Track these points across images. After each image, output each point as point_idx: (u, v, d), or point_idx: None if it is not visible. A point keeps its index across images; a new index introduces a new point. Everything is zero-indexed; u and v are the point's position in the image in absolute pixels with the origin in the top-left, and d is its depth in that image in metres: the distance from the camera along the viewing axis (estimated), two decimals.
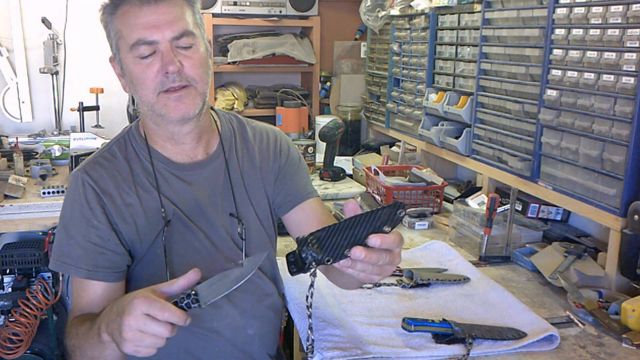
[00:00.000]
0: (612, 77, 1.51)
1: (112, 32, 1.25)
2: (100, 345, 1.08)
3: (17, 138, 2.86)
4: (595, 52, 1.56)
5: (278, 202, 1.47)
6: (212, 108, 1.44)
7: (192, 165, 1.35)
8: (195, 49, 1.24)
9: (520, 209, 1.97)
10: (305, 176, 1.51)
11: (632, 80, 1.45)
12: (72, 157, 2.55)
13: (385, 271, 1.01)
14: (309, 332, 1.04)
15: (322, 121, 2.95)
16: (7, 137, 2.92)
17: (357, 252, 0.93)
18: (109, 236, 1.27)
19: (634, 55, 1.45)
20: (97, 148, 2.62)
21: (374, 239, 0.94)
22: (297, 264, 0.96)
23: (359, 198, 2.38)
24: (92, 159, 1.33)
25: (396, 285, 1.59)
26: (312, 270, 0.96)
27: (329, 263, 0.94)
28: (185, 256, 1.31)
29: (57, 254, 1.28)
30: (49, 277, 2.51)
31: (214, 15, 3.10)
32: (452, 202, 2.13)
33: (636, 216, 1.46)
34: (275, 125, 3.09)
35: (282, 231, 1.54)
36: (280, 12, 3.18)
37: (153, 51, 1.21)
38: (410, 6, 2.59)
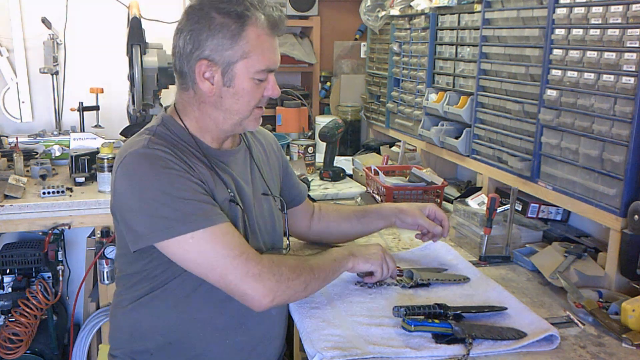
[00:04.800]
0: (612, 77, 1.51)
1: (240, 48, 1.31)
2: (339, 267, 1.44)
3: (17, 138, 2.85)
4: (595, 52, 1.56)
5: (286, 200, 1.65)
6: None
7: (227, 152, 1.45)
8: None
9: (520, 209, 1.97)
10: (296, 176, 1.76)
11: (632, 80, 1.45)
12: (72, 157, 2.55)
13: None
14: None
15: (322, 121, 2.95)
16: (7, 137, 2.92)
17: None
18: (206, 188, 1.33)
19: (634, 55, 1.45)
20: (98, 148, 2.65)
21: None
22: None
23: (359, 198, 2.38)
24: (148, 140, 1.33)
25: (396, 285, 1.59)
26: None
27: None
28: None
29: (180, 218, 1.24)
30: (49, 277, 2.51)
31: None
32: (452, 202, 2.13)
33: (636, 216, 1.46)
34: (275, 125, 3.11)
35: None
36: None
37: (267, 77, 1.37)
38: (410, 6, 2.59)
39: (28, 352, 2.45)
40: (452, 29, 2.33)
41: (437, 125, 2.40)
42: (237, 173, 1.45)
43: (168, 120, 1.41)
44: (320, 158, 2.80)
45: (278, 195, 1.59)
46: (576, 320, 1.43)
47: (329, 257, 1.42)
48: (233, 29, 1.30)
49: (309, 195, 1.86)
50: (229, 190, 1.38)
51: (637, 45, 1.44)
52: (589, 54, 1.58)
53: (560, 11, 1.68)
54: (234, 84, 1.34)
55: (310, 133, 3.18)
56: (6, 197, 2.29)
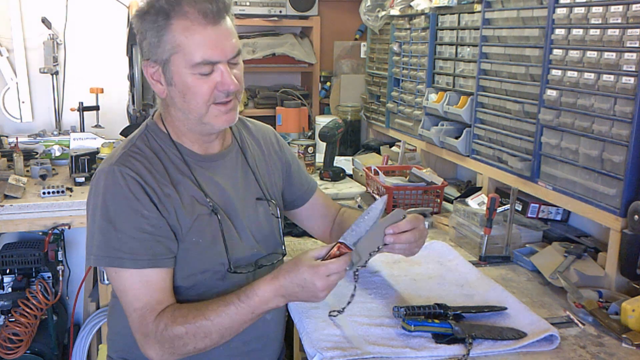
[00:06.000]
0: (612, 77, 1.51)
1: (167, 43, 1.25)
2: (263, 314, 1.26)
3: (17, 138, 2.85)
4: (595, 52, 1.56)
5: (287, 200, 1.61)
6: None
7: (211, 157, 1.40)
8: (240, 64, 1.32)
9: (520, 209, 1.97)
10: (304, 169, 1.68)
11: (632, 80, 1.45)
12: (72, 157, 2.55)
13: (419, 245, 1.41)
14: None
15: (322, 121, 2.95)
16: (7, 137, 2.92)
17: (389, 237, 1.32)
18: (161, 223, 1.28)
19: (634, 55, 1.45)
20: (98, 148, 2.65)
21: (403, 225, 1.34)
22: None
23: (359, 198, 2.38)
24: (122, 154, 1.32)
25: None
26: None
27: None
28: (211, 244, 1.34)
29: (105, 250, 1.25)
30: (49, 277, 2.51)
31: None
32: (452, 202, 2.13)
33: (636, 216, 1.46)
34: (275, 125, 3.10)
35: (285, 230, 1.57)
36: (280, 12, 3.18)
37: (212, 69, 1.26)
38: (410, 6, 2.59)
39: (28, 352, 2.44)
40: (452, 29, 2.33)
41: (437, 125, 2.40)
42: (224, 178, 1.40)
43: (152, 127, 1.38)
44: (320, 158, 2.79)
45: (274, 199, 1.51)
46: (576, 320, 1.43)
47: (247, 309, 1.23)
48: (158, 25, 1.25)
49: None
50: (208, 200, 1.34)
51: (637, 45, 1.44)
52: (589, 54, 1.58)
53: (560, 11, 1.68)
54: (175, 82, 1.28)
55: (310, 133, 3.18)
56: (6, 197, 2.29)
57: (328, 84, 3.43)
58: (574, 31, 1.64)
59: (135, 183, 1.27)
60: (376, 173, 2.33)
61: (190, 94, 1.27)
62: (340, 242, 1.26)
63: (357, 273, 1.30)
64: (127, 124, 2.80)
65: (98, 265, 1.31)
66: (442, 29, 2.41)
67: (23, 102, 3.04)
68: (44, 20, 3.01)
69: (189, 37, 1.23)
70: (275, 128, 1.72)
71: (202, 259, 1.33)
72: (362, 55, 3.39)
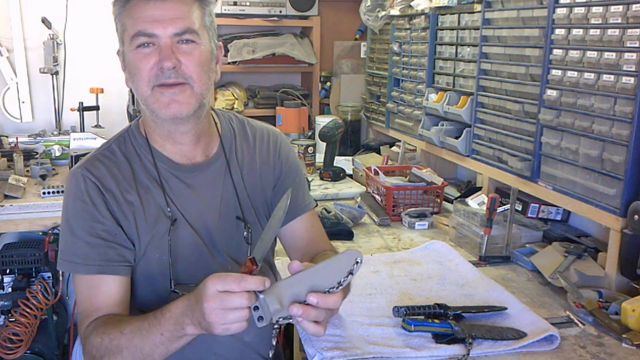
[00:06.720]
0: (612, 77, 1.51)
1: (119, 24, 1.26)
2: (175, 340, 1.08)
3: (17, 138, 2.85)
4: (595, 52, 1.56)
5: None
6: (212, 108, 1.41)
7: (191, 167, 1.33)
8: (196, 47, 1.22)
9: (520, 209, 1.97)
10: (304, 185, 1.49)
11: (632, 80, 1.45)
12: (72, 157, 2.54)
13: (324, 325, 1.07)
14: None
15: (322, 121, 2.95)
16: (7, 137, 2.92)
17: (295, 309, 0.99)
18: (116, 231, 1.25)
19: (634, 55, 1.45)
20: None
21: (312, 297, 0.99)
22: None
23: (359, 198, 2.38)
24: (91, 157, 1.31)
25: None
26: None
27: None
28: (181, 259, 1.29)
29: (64, 254, 1.25)
30: (49, 277, 2.51)
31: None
32: (452, 202, 2.13)
33: (636, 216, 1.46)
34: (275, 125, 3.10)
35: None
36: (280, 12, 3.18)
37: (152, 44, 1.21)
38: (410, 6, 2.59)
39: (28, 352, 2.44)
40: (452, 29, 2.33)
41: (437, 125, 2.40)
42: (202, 192, 1.32)
43: (133, 130, 1.36)
44: (320, 158, 2.80)
45: (252, 221, 1.36)
46: (576, 320, 1.43)
47: (157, 327, 1.09)
48: (117, 10, 1.26)
49: None
50: (169, 209, 1.28)
51: (637, 45, 1.44)
52: (589, 54, 1.58)
53: (560, 11, 1.68)
54: (126, 62, 1.26)
55: (310, 133, 3.18)
56: (6, 197, 2.29)
57: (328, 84, 3.43)
58: (574, 31, 1.64)
59: (94, 187, 1.25)
60: (376, 173, 2.33)
61: (134, 72, 1.23)
62: (249, 258, 1.03)
63: (276, 327, 1.05)
64: (127, 124, 2.79)
65: (61, 270, 1.29)
66: (442, 29, 2.41)
67: (23, 102, 3.04)
68: (44, 20, 3.01)
69: (131, 12, 1.22)
70: None
71: (165, 278, 1.27)
72: (362, 55, 3.40)
